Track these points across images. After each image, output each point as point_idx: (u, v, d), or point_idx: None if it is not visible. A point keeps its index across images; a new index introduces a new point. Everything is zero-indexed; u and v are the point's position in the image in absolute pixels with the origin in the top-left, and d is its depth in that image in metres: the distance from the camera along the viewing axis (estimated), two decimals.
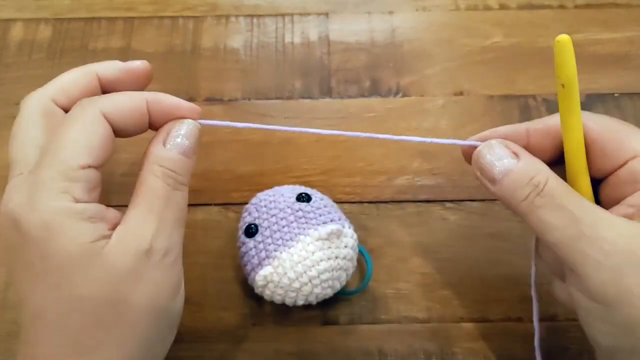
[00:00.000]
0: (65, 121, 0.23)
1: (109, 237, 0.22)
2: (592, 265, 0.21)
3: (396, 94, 0.38)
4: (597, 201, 0.24)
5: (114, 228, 0.22)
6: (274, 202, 0.29)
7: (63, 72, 0.38)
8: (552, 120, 0.24)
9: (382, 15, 0.41)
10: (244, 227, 0.29)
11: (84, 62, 0.38)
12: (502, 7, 0.41)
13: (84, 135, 0.22)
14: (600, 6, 0.41)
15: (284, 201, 0.29)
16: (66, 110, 0.24)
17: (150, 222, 0.22)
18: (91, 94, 0.25)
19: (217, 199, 0.34)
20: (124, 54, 0.39)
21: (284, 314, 0.30)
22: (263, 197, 0.30)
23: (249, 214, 0.29)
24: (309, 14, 0.41)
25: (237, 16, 0.41)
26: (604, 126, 0.23)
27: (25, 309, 0.22)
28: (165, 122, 0.24)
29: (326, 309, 0.31)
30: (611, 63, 0.38)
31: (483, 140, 0.25)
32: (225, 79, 0.38)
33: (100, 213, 0.22)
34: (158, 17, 0.40)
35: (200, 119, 0.25)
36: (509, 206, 0.24)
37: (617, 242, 0.21)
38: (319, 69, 0.38)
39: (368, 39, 0.40)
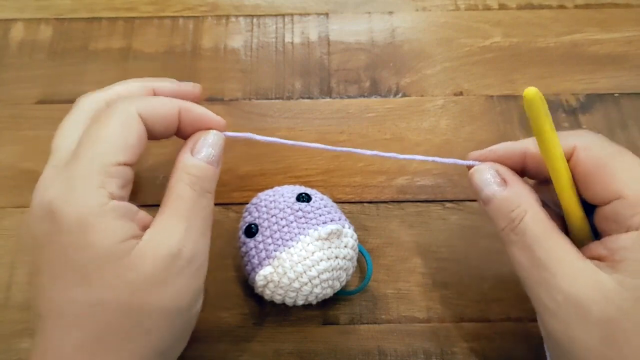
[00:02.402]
0: (103, 117, 0.23)
1: (138, 237, 0.22)
2: (547, 312, 0.22)
3: (396, 94, 0.38)
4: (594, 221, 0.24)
5: (143, 229, 0.22)
6: (274, 202, 0.29)
7: (63, 72, 0.38)
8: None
9: (382, 15, 0.41)
10: (244, 227, 0.29)
11: (85, 62, 0.38)
12: (502, 7, 0.41)
13: (121, 133, 0.23)
14: (599, 6, 0.41)
15: (284, 201, 0.29)
16: (148, 126, 0.25)
17: (179, 228, 0.23)
18: (172, 122, 0.25)
19: (218, 199, 0.33)
20: (125, 54, 0.39)
21: (284, 314, 0.30)
22: (263, 197, 0.30)
23: (249, 214, 0.29)
24: (309, 14, 0.41)
25: (237, 16, 0.41)
26: (592, 160, 0.23)
27: (43, 302, 0.22)
28: (193, 130, 0.26)
29: (326, 309, 0.31)
30: (610, 63, 0.38)
31: (481, 159, 0.26)
32: (225, 79, 0.38)
33: (132, 212, 0.23)
34: (158, 17, 0.40)
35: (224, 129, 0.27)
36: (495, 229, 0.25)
37: (570, 293, 0.21)
38: (319, 69, 0.39)
39: (368, 39, 0.40)
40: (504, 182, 0.24)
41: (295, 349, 0.30)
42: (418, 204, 0.34)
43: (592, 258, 0.22)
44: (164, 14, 0.41)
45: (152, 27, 0.40)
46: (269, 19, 0.41)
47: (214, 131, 0.26)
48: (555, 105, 0.37)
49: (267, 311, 0.31)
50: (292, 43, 0.40)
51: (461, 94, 0.38)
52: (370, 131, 0.36)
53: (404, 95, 0.38)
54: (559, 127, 0.36)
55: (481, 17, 0.40)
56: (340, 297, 0.31)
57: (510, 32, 0.40)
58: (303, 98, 0.37)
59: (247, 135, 0.27)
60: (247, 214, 0.30)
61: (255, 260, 0.27)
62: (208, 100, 0.37)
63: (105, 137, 0.22)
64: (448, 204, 0.34)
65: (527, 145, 0.25)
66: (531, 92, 0.21)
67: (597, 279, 0.21)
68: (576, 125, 0.36)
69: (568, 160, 0.23)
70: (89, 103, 0.25)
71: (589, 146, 0.23)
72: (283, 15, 0.41)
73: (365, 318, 0.31)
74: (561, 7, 0.41)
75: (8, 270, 0.32)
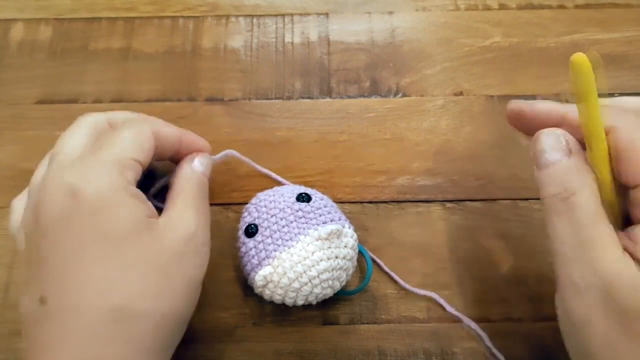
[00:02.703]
0: (121, 126, 0.26)
1: (152, 215, 0.24)
2: (573, 290, 0.22)
3: (396, 94, 0.38)
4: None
5: (150, 215, 0.24)
6: (274, 202, 0.29)
7: (63, 72, 0.38)
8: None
9: (382, 15, 0.41)
10: (244, 227, 0.29)
11: (85, 62, 0.39)
12: (502, 7, 0.41)
13: (137, 139, 0.25)
14: (599, 6, 0.41)
15: (284, 201, 0.29)
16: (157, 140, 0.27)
17: (191, 215, 0.25)
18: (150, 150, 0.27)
19: (218, 199, 0.34)
20: (125, 54, 0.39)
21: (284, 314, 0.30)
22: (263, 197, 0.30)
23: (249, 214, 0.29)
24: (309, 14, 0.41)
25: (237, 16, 0.41)
26: (629, 139, 0.22)
27: (59, 280, 0.22)
28: (186, 153, 0.29)
29: (326, 309, 0.31)
30: (611, 63, 0.38)
31: (518, 107, 0.26)
32: (225, 79, 0.38)
33: (143, 198, 0.25)
34: (158, 17, 0.40)
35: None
36: (540, 194, 0.24)
37: (604, 277, 0.21)
38: (319, 69, 0.38)
39: (368, 39, 0.40)
40: (569, 151, 0.23)
41: (295, 349, 0.30)
42: (418, 204, 0.34)
43: None
44: (164, 14, 0.41)
45: (152, 27, 0.40)
46: (269, 19, 0.41)
47: (205, 154, 0.29)
48: None
49: (267, 311, 0.31)
50: (292, 43, 0.40)
51: (461, 94, 0.38)
52: (370, 131, 0.36)
53: (404, 95, 0.38)
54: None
55: (481, 17, 0.40)
56: (340, 297, 0.31)
57: (510, 32, 0.40)
58: (303, 98, 0.37)
59: (227, 152, 0.32)
60: (246, 214, 0.30)
61: (255, 260, 0.27)
62: (208, 100, 0.37)
63: (123, 139, 0.25)
64: (448, 204, 0.34)
65: (567, 110, 0.24)
66: (580, 58, 0.21)
67: (632, 270, 0.21)
68: None
69: (606, 135, 0.23)
70: (90, 118, 0.27)
71: (629, 127, 0.23)
72: (283, 15, 0.41)
73: (365, 318, 0.31)
74: (561, 7, 0.41)
75: (7, 270, 0.32)
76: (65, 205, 0.22)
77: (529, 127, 0.25)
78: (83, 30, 0.40)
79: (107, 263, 0.22)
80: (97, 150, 0.24)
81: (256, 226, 0.28)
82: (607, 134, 0.23)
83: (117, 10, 0.41)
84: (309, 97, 0.37)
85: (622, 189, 0.24)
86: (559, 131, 0.24)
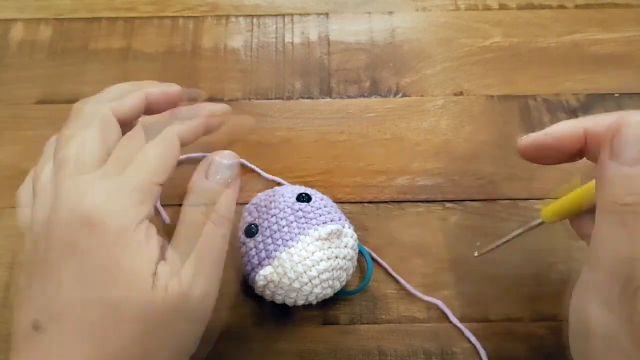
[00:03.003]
0: (150, 141, 0.24)
1: (161, 259, 0.23)
2: (608, 302, 0.20)
3: (396, 94, 0.38)
4: None
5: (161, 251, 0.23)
6: (274, 202, 0.29)
7: (63, 72, 0.38)
8: (607, 119, 0.22)
9: (382, 15, 0.41)
10: (244, 227, 0.29)
11: (85, 62, 0.38)
12: (502, 7, 0.41)
13: (166, 157, 0.24)
14: (599, 6, 0.41)
15: (284, 201, 0.29)
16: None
17: (189, 269, 0.23)
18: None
19: None
20: (125, 54, 0.39)
21: (284, 314, 0.30)
22: (263, 197, 0.30)
23: (249, 214, 0.29)
24: (309, 14, 0.41)
25: (237, 16, 0.41)
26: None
27: (57, 303, 0.21)
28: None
29: (326, 309, 0.31)
30: (611, 63, 0.38)
31: (537, 144, 0.23)
32: (225, 79, 0.38)
33: (155, 231, 0.23)
34: (158, 17, 0.40)
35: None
36: (599, 188, 0.21)
37: None
38: (319, 69, 0.38)
39: (368, 39, 0.40)
40: None
41: (295, 349, 0.30)
42: (418, 204, 0.34)
43: None
44: (164, 14, 0.41)
45: (152, 27, 0.40)
46: (269, 19, 0.41)
47: (230, 152, 0.26)
48: (555, 106, 0.37)
49: (267, 311, 0.31)
50: (292, 43, 0.40)
51: (461, 94, 0.38)
52: (370, 131, 0.36)
53: (404, 95, 0.38)
54: None
55: (481, 17, 0.40)
56: (340, 297, 0.31)
57: (510, 32, 0.40)
58: (303, 98, 0.37)
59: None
60: (246, 214, 0.30)
61: (255, 260, 0.27)
62: (208, 100, 0.37)
63: (149, 160, 0.23)
64: (448, 204, 0.34)
65: (586, 124, 0.22)
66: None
67: None
68: None
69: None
70: (95, 112, 0.25)
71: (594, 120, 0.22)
72: (283, 15, 0.41)
73: (365, 318, 0.31)
74: (561, 7, 0.41)
75: (7, 270, 0.32)
76: (79, 232, 0.21)
77: (550, 156, 0.23)
78: (83, 30, 0.40)
79: (103, 309, 0.21)
80: (119, 172, 0.23)
81: (256, 226, 0.28)
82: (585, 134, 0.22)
83: (117, 10, 0.41)
84: (309, 97, 0.37)
85: None
86: None
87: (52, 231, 0.22)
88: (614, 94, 0.37)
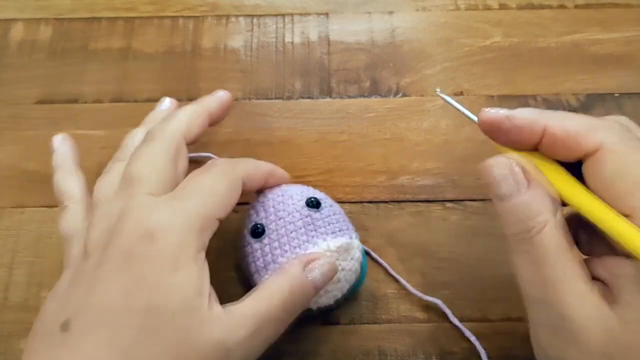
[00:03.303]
0: (216, 175, 0.25)
1: (205, 296, 0.23)
2: (543, 331, 0.21)
3: (396, 94, 0.38)
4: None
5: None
6: (282, 204, 0.28)
7: (63, 72, 0.38)
8: (572, 125, 0.21)
9: (382, 15, 0.41)
10: (251, 226, 0.28)
11: (85, 62, 0.38)
12: (502, 7, 0.41)
13: (229, 194, 0.25)
14: (600, 6, 0.41)
15: (293, 204, 0.28)
16: (188, 143, 0.27)
17: (246, 323, 0.23)
18: (204, 130, 0.28)
19: None
20: (125, 54, 0.39)
21: None
22: (271, 197, 0.29)
23: (256, 213, 0.28)
24: (309, 14, 0.41)
25: (237, 16, 0.41)
26: (614, 166, 0.20)
27: (86, 317, 0.21)
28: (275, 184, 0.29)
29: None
30: (611, 63, 0.38)
31: (494, 122, 0.22)
32: (225, 79, 0.38)
33: (207, 271, 0.24)
34: (158, 17, 0.40)
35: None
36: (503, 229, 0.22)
37: (571, 320, 0.20)
38: (319, 69, 0.38)
39: (368, 39, 0.40)
40: (527, 182, 0.21)
41: (295, 349, 0.30)
42: (418, 204, 0.34)
43: (593, 278, 0.21)
44: (164, 14, 0.41)
45: (152, 27, 0.40)
46: (269, 19, 0.41)
47: (332, 260, 0.26)
48: (555, 105, 0.37)
49: None
50: (292, 43, 0.40)
51: (461, 93, 0.38)
52: (370, 131, 0.36)
53: (404, 95, 0.38)
54: None
55: (481, 17, 0.40)
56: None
57: (510, 32, 0.40)
58: (303, 98, 0.37)
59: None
60: (253, 212, 0.29)
61: (261, 263, 0.27)
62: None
63: (214, 192, 0.24)
64: (448, 204, 0.34)
65: (548, 119, 0.21)
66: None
67: (599, 309, 0.20)
68: None
69: (591, 155, 0.21)
70: (167, 136, 0.26)
71: (615, 148, 0.20)
72: (283, 15, 0.41)
73: (365, 318, 0.31)
74: (561, 7, 0.41)
75: (7, 270, 0.32)
76: (139, 242, 0.22)
77: (505, 139, 0.23)
78: (83, 30, 0.40)
79: (142, 320, 0.21)
80: (185, 197, 0.24)
81: (263, 227, 0.27)
82: (594, 151, 0.21)
83: (117, 10, 0.41)
84: (309, 97, 0.37)
85: None
86: (512, 158, 0.22)
87: (113, 240, 0.22)
88: (614, 94, 0.37)
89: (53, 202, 0.33)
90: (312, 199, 0.28)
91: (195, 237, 0.23)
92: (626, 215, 0.20)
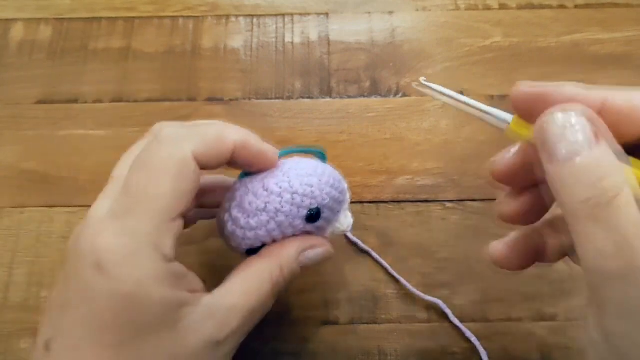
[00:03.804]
0: (155, 165, 0.21)
1: (186, 305, 0.21)
2: (620, 313, 0.17)
3: (396, 94, 0.38)
4: None
5: (191, 292, 0.22)
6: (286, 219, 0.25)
7: (63, 72, 0.38)
8: (638, 97, 0.19)
9: (382, 15, 0.41)
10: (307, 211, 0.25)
11: (84, 62, 0.38)
12: (502, 7, 0.41)
13: (177, 186, 0.21)
14: (600, 6, 0.41)
15: (294, 219, 0.25)
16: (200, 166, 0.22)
17: (236, 316, 0.22)
18: (224, 159, 0.23)
19: None
20: (124, 54, 0.39)
21: (284, 314, 0.30)
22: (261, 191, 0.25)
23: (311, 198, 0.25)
24: (309, 14, 0.41)
25: (237, 16, 0.41)
26: (624, 100, 0.19)
27: (64, 336, 0.20)
28: (246, 164, 0.24)
29: (326, 309, 0.31)
30: (611, 63, 0.38)
31: (536, 95, 0.20)
32: (225, 79, 0.38)
33: (181, 276, 0.22)
34: (158, 17, 0.40)
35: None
36: (556, 196, 0.18)
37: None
38: (319, 69, 0.38)
39: (368, 39, 0.40)
40: (595, 137, 0.18)
41: (295, 349, 0.30)
42: (418, 204, 0.34)
43: None
44: (164, 14, 0.41)
45: (152, 27, 0.40)
46: (269, 18, 0.41)
47: (328, 248, 0.25)
48: None
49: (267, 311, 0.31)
50: (292, 43, 0.40)
51: (461, 93, 0.37)
52: (370, 131, 0.36)
53: (404, 95, 0.38)
54: None
55: (481, 17, 0.40)
56: (335, 286, 0.31)
57: (510, 32, 0.40)
58: (303, 98, 0.37)
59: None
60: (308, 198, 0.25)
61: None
62: (208, 100, 0.37)
63: (160, 193, 0.21)
64: (448, 204, 0.34)
65: (607, 95, 0.19)
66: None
67: None
68: None
69: (599, 113, 0.18)
70: (180, 152, 0.22)
71: (620, 93, 0.19)
72: (283, 15, 0.41)
73: (365, 318, 0.31)
74: (561, 7, 0.41)
75: (7, 270, 0.32)
76: (94, 278, 0.20)
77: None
78: (83, 30, 0.40)
79: (117, 350, 0.20)
80: (133, 211, 0.21)
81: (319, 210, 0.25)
82: (599, 110, 0.19)
83: (117, 10, 0.41)
84: (309, 97, 0.37)
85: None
86: (577, 107, 0.18)
87: (67, 266, 0.21)
88: None
89: (53, 202, 0.34)
90: (312, 213, 0.25)
91: (151, 260, 0.20)
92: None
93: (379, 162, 0.35)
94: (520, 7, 0.41)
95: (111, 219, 0.21)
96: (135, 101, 0.37)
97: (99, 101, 0.37)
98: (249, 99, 0.37)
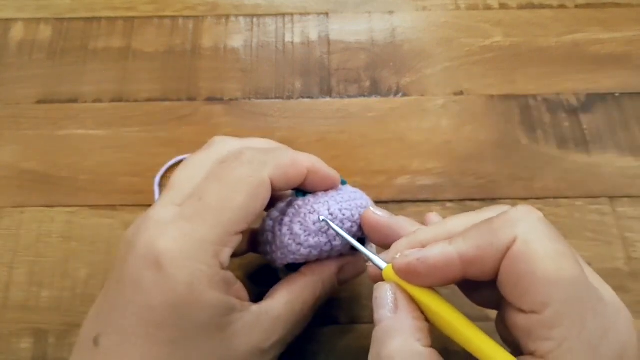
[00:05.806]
0: (236, 182, 0.22)
1: (235, 309, 0.22)
2: None
3: (396, 93, 0.38)
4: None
5: (239, 299, 0.23)
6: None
7: (63, 72, 0.38)
8: (485, 240, 0.21)
9: (382, 15, 0.41)
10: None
11: (84, 62, 0.38)
12: (502, 6, 0.41)
13: (249, 204, 0.22)
14: (600, 6, 0.41)
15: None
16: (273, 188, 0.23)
17: (281, 326, 0.23)
18: (297, 183, 0.25)
19: None
20: (124, 54, 0.39)
21: None
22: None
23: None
24: (309, 14, 0.41)
25: (237, 16, 0.41)
26: (525, 261, 0.20)
27: (116, 332, 0.21)
28: (312, 186, 0.25)
29: (326, 309, 0.31)
30: (611, 63, 0.38)
31: (408, 270, 0.22)
32: (225, 78, 0.38)
33: (231, 283, 0.23)
34: (158, 17, 0.40)
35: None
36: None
37: None
38: (319, 69, 0.38)
39: (368, 39, 0.40)
40: (395, 308, 0.22)
41: (295, 349, 0.30)
42: (418, 204, 0.34)
43: None
44: (163, 14, 0.40)
45: (152, 26, 0.40)
46: (269, 18, 0.40)
47: (362, 264, 0.27)
48: (556, 105, 0.37)
49: None
50: (292, 43, 0.40)
51: (462, 93, 0.37)
52: (370, 131, 0.36)
53: (405, 95, 0.37)
54: (559, 126, 0.36)
55: (482, 16, 0.40)
56: (341, 294, 0.30)
57: (510, 31, 0.40)
58: (303, 98, 0.37)
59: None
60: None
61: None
62: (208, 100, 0.37)
63: (233, 206, 0.22)
64: (448, 204, 0.34)
65: (460, 249, 0.21)
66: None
67: None
68: (577, 125, 0.36)
69: (506, 252, 0.20)
70: (222, 147, 0.25)
71: (528, 242, 0.20)
72: (283, 15, 0.41)
73: (365, 318, 0.31)
74: (562, 6, 0.41)
75: (7, 270, 0.32)
76: (148, 274, 0.21)
77: (427, 281, 0.23)
78: (83, 30, 0.40)
79: (168, 343, 0.21)
80: (202, 216, 0.22)
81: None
82: (507, 249, 0.20)
83: (116, 10, 0.41)
84: (309, 97, 0.37)
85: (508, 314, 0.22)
86: (388, 286, 0.22)
87: (123, 264, 0.22)
88: (614, 94, 0.37)
89: (53, 202, 0.34)
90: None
91: (208, 265, 0.21)
92: (534, 312, 0.20)
93: (379, 162, 0.35)
94: (520, 7, 0.41)
95: (177, 222, 0.22)
96: (135, 101, 0.37)
97: (99, 101, 0.37)
98: (249, 98, 0.37)
